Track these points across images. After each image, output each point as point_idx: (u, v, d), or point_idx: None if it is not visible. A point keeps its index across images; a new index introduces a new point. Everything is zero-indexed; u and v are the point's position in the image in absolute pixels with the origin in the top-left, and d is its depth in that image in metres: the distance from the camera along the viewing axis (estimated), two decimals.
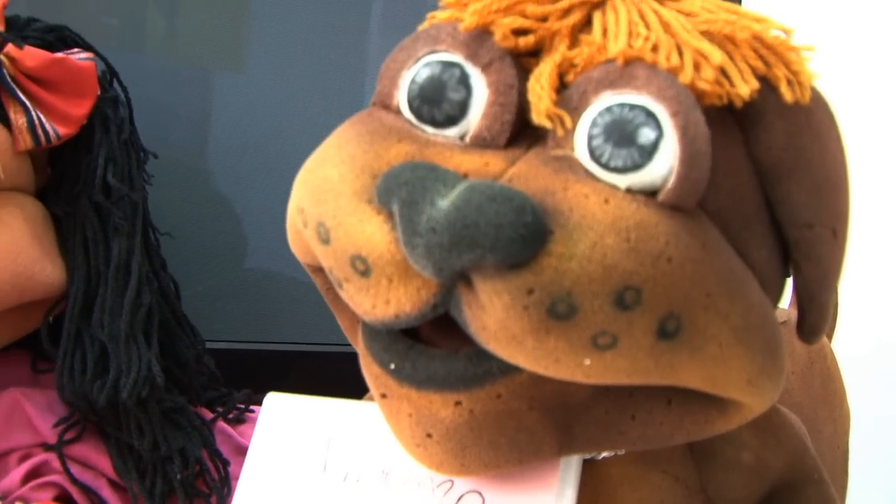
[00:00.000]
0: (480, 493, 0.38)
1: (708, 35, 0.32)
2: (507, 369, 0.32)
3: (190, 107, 0.77)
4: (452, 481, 0.38)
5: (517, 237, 0.28)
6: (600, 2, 0.33)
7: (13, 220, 0.55)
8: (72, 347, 0.56)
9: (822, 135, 0.35)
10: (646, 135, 0.30)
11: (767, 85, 0.33)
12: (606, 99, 0.31)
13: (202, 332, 0.65)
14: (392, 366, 0.34)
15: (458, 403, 0.33)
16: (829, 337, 0.68)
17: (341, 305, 0.37)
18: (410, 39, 0.34)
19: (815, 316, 0.35)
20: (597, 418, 0.35)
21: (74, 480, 0.55)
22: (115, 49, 0.63)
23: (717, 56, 0.31)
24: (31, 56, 0.55)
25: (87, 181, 0.58)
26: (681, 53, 0.31)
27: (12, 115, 0.54)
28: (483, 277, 0.29)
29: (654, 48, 0.31)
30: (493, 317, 0.29)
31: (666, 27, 0.32)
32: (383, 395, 0.35)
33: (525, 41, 0.32)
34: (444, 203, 0.28)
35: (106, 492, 0.56)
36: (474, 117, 0.33)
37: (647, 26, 0.32)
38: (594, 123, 0.30)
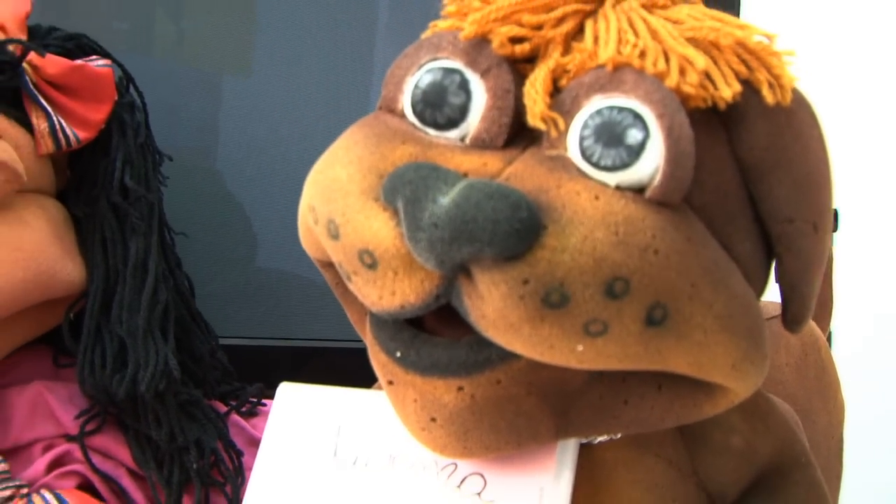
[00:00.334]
0: (482, 475, 0.39)
1: (694, 41, 0.34)
2: (506, 356, 0.34)
3: (199, 110, 0.78)
4: (456, 464, 0.40)
5: (513, 231, 0.29)
6: (592, 11, 0.35)
7: (36, 221, 0.55)
8: (92, 343, 0.57)
9: (803, 135, 0.36)
10: (633, 135, 0.32)
11: (750, 88, 0.34)
12: (597, 102, 0.32)
13: (216, 330, 0.66)
14: (398, 354, 0.35)
15: (460, 389, 0.35)
16: (824, 331, 0.70)
17: (350, 298, 0.39)
18: (414, 47, 0.36)
19: (798, 306, 0.37)
20: (591, 403, 0.37)
21: (96, 469, 0.56)
22: (125, 53, 0.63)
23: (701, 61, 0.32)
24: (52, 63, 0.56)
25: (105, 183, 0.59)
26: (667, 59, 0.33)
27: (34, 120, 0.55)
28: (482, 269, 0.31)
29: (642, 54, 0.33)
30: (491, 306, 0.31)
31: (654, 34, 0.33)
32: (390, 382, 0.37)
33: (521, 48, 0.34)
34: (445, 200, 0.30)
35: (125, 481, 0.57)
36: (474, 120, 0.34)
37: (636, 34, 0.33)
38: (585, 125, 0.32)
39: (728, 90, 0.33)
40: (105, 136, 0.59)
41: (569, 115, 0.33)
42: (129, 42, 0.77)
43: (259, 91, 0.78)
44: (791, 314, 0.37)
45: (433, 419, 0.36)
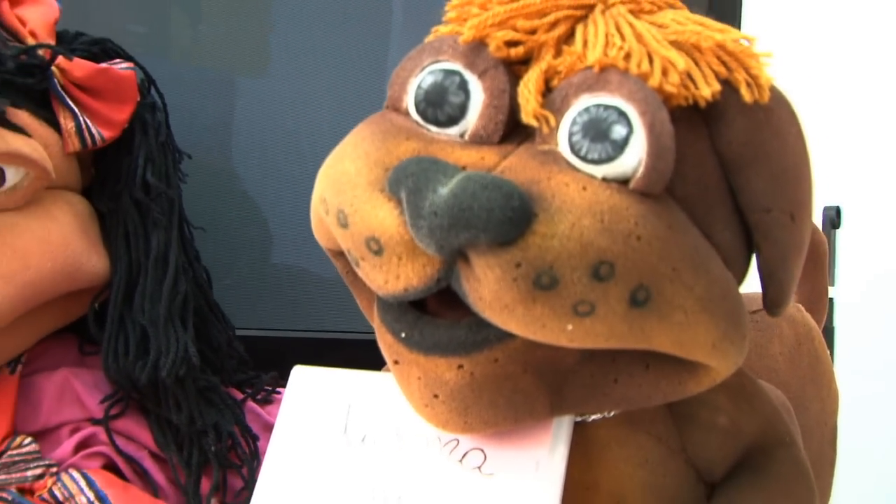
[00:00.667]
0: (482, 450, 0.41)
1: (677, 44, 0.36)
2: (503, 336, 0.36)
3: (216, 111, 0.78)
4: (458, 440, 0.42)
5: (506, 219, 0.32)
6: (583, 16, 0.37)
7: (63, 216, 0.56)
8: (116, 331, 0.58)
9: (781, 131, 0.38)
10: (618, 131, 0.34)
11: (730, 87, 0.36)
12: (584, 101, 0.35)
13: (233, 321, 0.67)
14: (403, 334, 0.38)
15: (460, 367, 0.37)
16: (820, 323, 0.71)
17: (359, 285, 0.41)
18: (417, 51, 0.38)
19: (776, 291, 0.39)
20: (584, 381, 0.39)
21: (119, 451, 0.57)
22: (142, 56, 0.64)
23: (681, 63, 0.35)
24: (79, 67, 0.57)
25: (128, 180, 0.60)
26: (651, 61, 0.35)
27: (62, 120, 0.56)
28: (478, 254, 0.33)
29: (627, 56, 0.35)
30: (487, 288, 0.33)
31: (639, 38, 0.36)
32: (396, 362, 0.39)
33: (516, 51, 0.36)
34: (444, 190, 0.32)
35: (147, 462, 0.58)
36: (472, 118, 0.37)
37: (622, 37, 0.36)
38: (574, 122, 0.35)
39: (707, 89, 0.35)
40: (128, 135, 0.60)
41: (559, 113, 0.35)
42: (145, 45, 0.77)
43: (274, 92, 0.79)
44: (770, 299, 0.40)
45: (436, 396, 0.38)
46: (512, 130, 0.37)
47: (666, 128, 0.34)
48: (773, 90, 0.38)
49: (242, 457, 0.60)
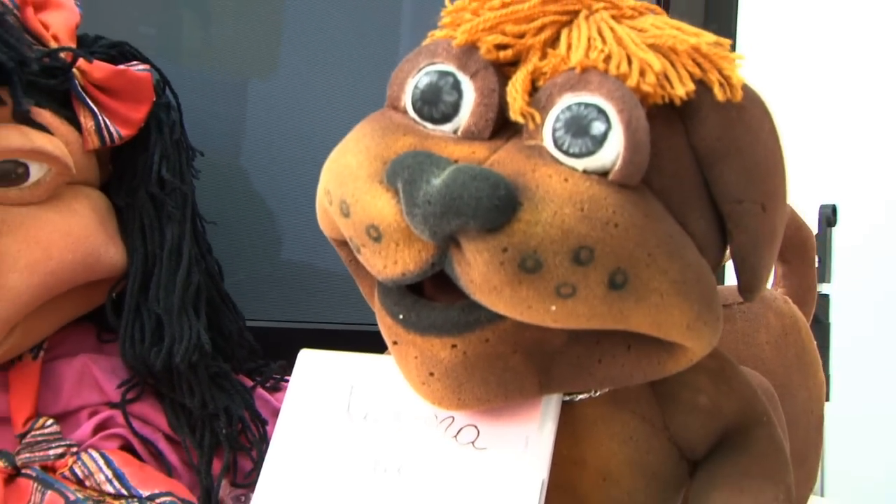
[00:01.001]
0: (476, 427, 0.44)
1: (654, 47, 0.38)
2: (494, 318, 0.39)
3: (227, 111, 0.79)
4: (453, 417, 0.44)
5: (493, 207, 0.34)
6: (568, 21, 0.40)
7: (83, 210, 0.58)
8: (132, 319, 0.60)
9: (753, 128, 0.41)
10: (597, 127, 0.36)
11: (704, 86, 0.39)
12: (567, 99, 0.37)
13: (243, 312, 0.69)
14: (401, 316, 0.40)
15: (454, 346, 0.39)
16: (808, 315, 0.73)
17: (362, 273, 0.44)
18: (414, 53, 0.41)
19: (748, 276, 0.41)
20: (570, 361, 0.41)
21: (136, 433, 0.58)
22: (153, 58, 0.65)
23: (657, 64, 0.37)
24: (98, 69, 0.58)
25: (144, 175, 0.61)
26: (629, 62, 0.38)
27: (82, 119, 0.58)
28: (468, 239, 0.35)
29: (607, 59, 0.37)
30: (477, 271, 0.36)
31: (619, 41, 0.38)
32: (395, 342, 0.42)
33: (505, 54, 0.39)
34: (437, 181, 0.35)
35: (162, 444, 0.59)
36: (464, 115, 0.39)
37: (604, 41, 0.38)
38: (557, 119, 0.37)
39: (682, 88, 0.38)
40: (144, 133, 0.62)
41: (544, 111, 0.38)
42: (156, 47, 0.77)
43: (283, 93, 0.79)
44: (744, 284, 0.42)
45: (431, 374, 0.40)
46: (501, 127, 0.39)
47: (642, 124, 0.36)
48: (747, 89, 0.41)
49: (252, 440, 0.62)
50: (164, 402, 0.61)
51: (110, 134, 0.59)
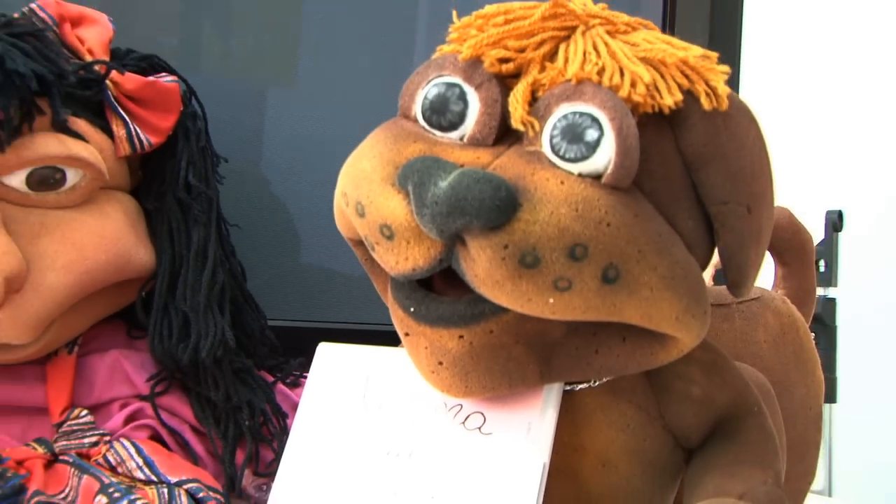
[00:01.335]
0: (482, 413, 0.47)
1: (645, 60, 0.41)
2: (497, 310, 0.41)
3: (250, 119, 0.80)
4: (461, 405, 0.47)
5: (494, 207, 0.37)
6: (566, 36, 0.43)
7: (115, 213, 0.59)
8: (160, 317, 0.61)
9: (738, 134, 0.43)
10: (591, 134, 0.39)
11: (691, 96, 0.42)
12: (564, 108, 0.40)
13: (265, 312, 0.70)
14: (412, 309, 0.43)
15: (461, 337, 0.42)
16: (808, 316, 0.75)
17: (376, 270, 0.46)
18: (423, 66, 0.44)
19: (735, 272, 0.44)
20: (569, 352, 0.44)
21: (164, 424, 0.60)
22: (176, 68, 0.66)
23: (647, 76, 0.40)
24: (130, 80, 0.60)
25: (171, 181, 0.63)
26: (622, 74, 0.41)
27: (114, 128, 0.60)
28: (472, 237, 0.38)
29: (601, 71, 0.40)
30: (480, 266, 0.39)
31: (612, 55, 0.41)
32: (406, 334, 0.45)
33: (507, 67, 0.42)
34: (444, 184, 0.38)
35: (188, 434, 0.61)
36: (470, 123, 0.42)
37: (598, 55, 0.41)
38: (554, 127, 0.40)
39: (670, 99, 0.41)
40: (172, 140, 0.63)
41: (542, 119, 0.41)
42: (177, 57, 0.75)
43: (302, 102, 0.80)
44: (731, 280, 0.45)
45: (440, 363, 0.43)
46: (504, 134, 0.42)
47: (632, 131, 0.39)
48: (733, 99, 0.44)
49: (273, 431, 0.64)
50: (191, 395, 0.62)
51: (140, 142, 0.61)
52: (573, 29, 0.43)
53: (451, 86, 0.43)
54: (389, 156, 0.42)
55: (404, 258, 0.41)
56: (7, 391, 0.59)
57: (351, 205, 0.43)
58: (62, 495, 0.54)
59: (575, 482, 0.48)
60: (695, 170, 0.42)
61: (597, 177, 0.40)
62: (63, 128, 0.57)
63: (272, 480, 0.49)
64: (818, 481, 1.06)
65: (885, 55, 1.24)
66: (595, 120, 0.39)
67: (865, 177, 1.20)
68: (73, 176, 0.57)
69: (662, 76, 0.41)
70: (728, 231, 0.43)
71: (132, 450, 0.58)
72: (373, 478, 0.47)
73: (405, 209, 0.40)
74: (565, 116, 0.40)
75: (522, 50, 0.42)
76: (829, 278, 1.13)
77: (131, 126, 0.61)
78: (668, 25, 0.87)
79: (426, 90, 0.43)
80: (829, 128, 1.18)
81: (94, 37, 0.62)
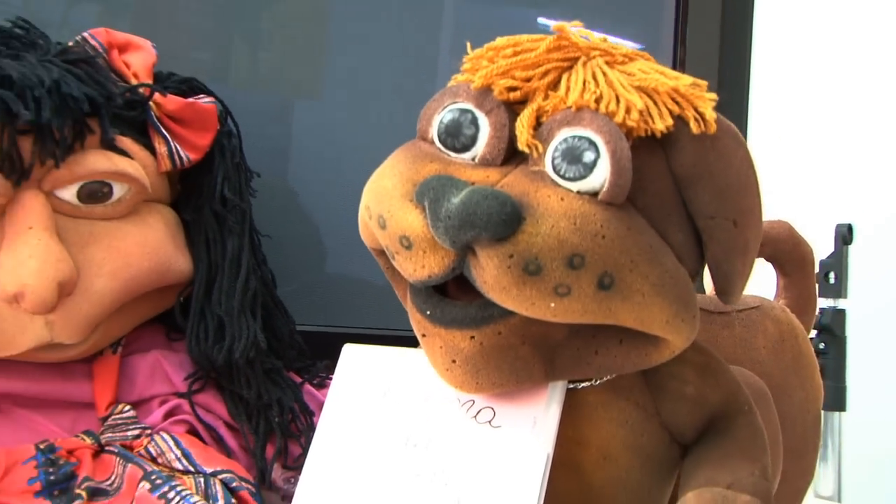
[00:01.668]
0: (492, 408, 0.50)
1: (640, 88, 0.45)
2: (505, 314, 0.45)
3: (280, 134, 0.83)
4: (473, 400, 0.51)
5: (501, 221, 0.41)
6: (568, 66, 0.47)
7: (157, 224, 0.63)
8: (197, 320, 0.65)
9: (726, 155, 0.47)
10: (588, 156, 0.43)
11: (682, 120, 0.46)
12: (564, 133, 0.44)
13: (294, 317, 0.73)
14: (428, 312, 0.47)
15: (472, 338, 0.46)
16: (808, 324, 0.78)
17: (397, 277, 0.50)
18: (440, 94, 0.48)
19: (722, 281, 0.48)
20: (571, 353, 0.48)
21: (200, 419, 0.63)
22: (208, 84, 0.68)
23: (640, 103, 0.44)
24: (171, 101, 0.64)
25: (208, 194, 0.66)
26: (617, 102, 0.45)
27: (157, 145, 0.63)
28: (481, 247, 0.42)
29: (598, 99, 0.44)
30: (489, 273, 0.43)
31: (609, 84, 0.45)
32: (423, 335, 0.48)
33: (514, 95, 0.46)
34: (456, 200, 0.42)
35: (222, 430, 0.64)
36: (481, 146, 0.46)
37: (596, 84, 0.45)
38: (556, 149, 0.44)
39: (661, 124, 0.45)
40: (209, 157, 0.66)
41: (546, 142, 0.45)
42: (208, 71, 0.80)
43: (329, 116, 0.83)
44: (718, 288, 0.48)
45: (454, 361, 0.47)
46: (511, 155, 0.46)
47: (625, 153, 0.43)
48: (721, 122, 0.47)
49: (301, 428, 0.67)
50: (225, 393, 0.66)
51: (180, 158, 0.64)
52: (575, 60, 0.47)
53: (464, 112, 0.47)
54: (408, 174, 0.45)
55: (421, 266, 0.45)
56: (58, 387, 0.62)
57: (374, 218, 0.47)
58: (108, 482, 0.58)
59: (578, 474, 0.51)
60: (684, 187, 0.46)
61: (594, 194, 0.44)
62: (111, 146, 0.60)
63: (299, 474, 0.53)
64: (828, 487, 1.09)
65: (894, 72, 1.26)
66: (592, 143, 0.43)
67: (875, 191, 1.22)
68: (119, 190, 0.61)
69: (655, 103, 0.45)
70: (715, 243, 0.47)
71: (171, 442, 0.61)
72: (393, 465, 0.50)
73: (422, 222, 0.44)
74: (566, 140, 0.44)
75: (529, 79, 0.46)
76: (838, 290, 1.16)
77: (172, 144, 0.64)
78: (679, 41, 0.88)
79: (442, 115, 0.47)
80: (838, 143, 1.21)
81: (139, 62, 0.66)
